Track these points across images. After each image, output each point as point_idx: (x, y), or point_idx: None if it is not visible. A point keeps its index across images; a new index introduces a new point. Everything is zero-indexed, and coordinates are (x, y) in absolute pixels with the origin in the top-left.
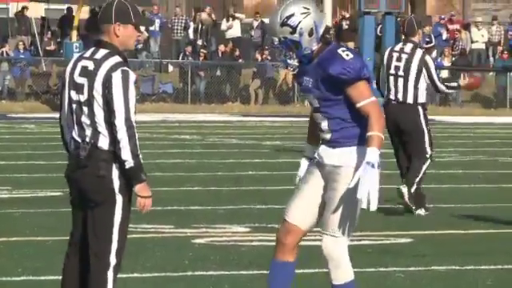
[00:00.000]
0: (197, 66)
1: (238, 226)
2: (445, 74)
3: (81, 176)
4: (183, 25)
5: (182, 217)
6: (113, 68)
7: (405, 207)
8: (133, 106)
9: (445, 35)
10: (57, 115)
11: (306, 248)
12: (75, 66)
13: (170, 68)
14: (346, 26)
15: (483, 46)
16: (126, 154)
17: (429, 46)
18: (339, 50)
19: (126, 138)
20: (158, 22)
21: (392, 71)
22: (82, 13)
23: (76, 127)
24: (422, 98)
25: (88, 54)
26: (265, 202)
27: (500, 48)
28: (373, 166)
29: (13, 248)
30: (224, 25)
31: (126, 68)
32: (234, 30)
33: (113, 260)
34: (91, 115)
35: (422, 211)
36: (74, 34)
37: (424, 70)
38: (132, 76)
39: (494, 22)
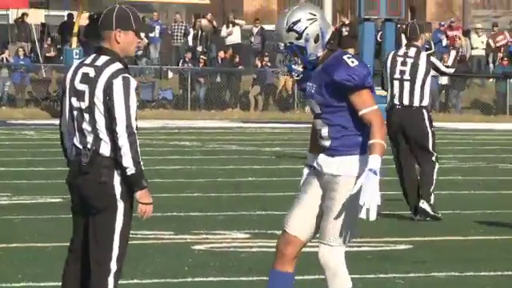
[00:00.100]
0: (197, 72)
1: (238, 232)
2: (444, 80)
3: (82, 182)
4: (183, 31)
5: (181, 223)
6: (114, 75)
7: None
8: (134, 113)
9: (444, 41)
10: (56, 122)
11: (306, 254)
12: (76, 72)
13: (170, 74)
14: (346, 33)
15: (483, 53)
16: (127, 161)
17: (428, 52)
18: (345, 57)
19: (127, 144)
20: (157, 29)
21: (397, 76)
22: (82, 19)
23: (77, 134)
24: (426, 101)
25: (89, 60)
26: (264, 208)
27: (500, 55)
28: (375, 173)
29: (13, 254)
30: (224, 31)
31: (127, 75)
32: (233, 36)
33: (113, 266)
34: (92, 122)
35: (425, 205)
36: (74, 40)
37: (432, 71)
38: (133, 83)
39: (494, 28)
